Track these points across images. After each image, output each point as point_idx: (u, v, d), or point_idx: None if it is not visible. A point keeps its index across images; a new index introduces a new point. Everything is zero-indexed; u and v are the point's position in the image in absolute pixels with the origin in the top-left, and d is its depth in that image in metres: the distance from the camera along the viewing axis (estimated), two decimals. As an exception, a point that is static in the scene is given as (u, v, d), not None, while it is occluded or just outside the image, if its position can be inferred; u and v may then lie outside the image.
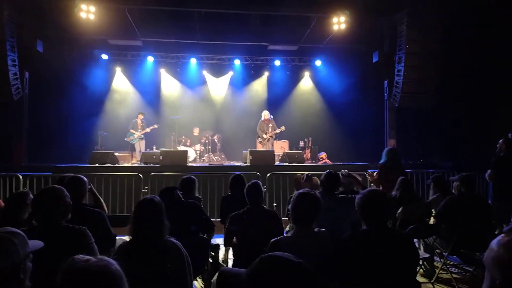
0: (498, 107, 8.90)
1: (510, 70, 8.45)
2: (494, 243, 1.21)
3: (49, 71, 10.03)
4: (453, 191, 4.83)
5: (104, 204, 3.86)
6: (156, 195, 2.61)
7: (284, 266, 1.12)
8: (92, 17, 8.95)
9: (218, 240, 4.14)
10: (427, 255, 4.23)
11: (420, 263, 4.27)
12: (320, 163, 10.36)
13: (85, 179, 3.43)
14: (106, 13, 9.14)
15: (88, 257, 1.20)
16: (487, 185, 6.37)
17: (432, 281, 4.13)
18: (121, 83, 12.43)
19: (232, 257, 3.72)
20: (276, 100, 12.69)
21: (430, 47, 9.18)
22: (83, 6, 8.82)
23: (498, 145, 5.78)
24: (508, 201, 5.51)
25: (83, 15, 8.88)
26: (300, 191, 2.64)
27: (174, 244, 2.29)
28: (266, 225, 3.39)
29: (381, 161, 5.55)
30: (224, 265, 4.28)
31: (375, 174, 5.49)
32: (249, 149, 9.02)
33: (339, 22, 9.45)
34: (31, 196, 3.27)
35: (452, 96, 9.44)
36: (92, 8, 8.90)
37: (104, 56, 11.89)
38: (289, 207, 2.66)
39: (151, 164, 8.57)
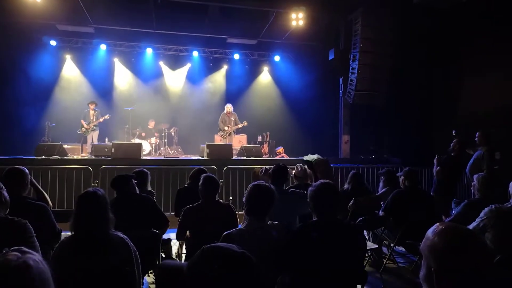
0: (442, 105, 9.46)
1: (457, 69, 8.99)
2: (430, 232, 1.25)
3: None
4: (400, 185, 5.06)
5: (48, 197, 3.65)
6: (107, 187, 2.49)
7: (224, 256, 1.10)
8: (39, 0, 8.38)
9: (172, 235, 4.05)
10: (375, 246, 4.41)
11: (369, 253, 4.44)
12: (277, 157, 10.47)
13: (26, 170, 3.21)
14: (55, -4, 8.60)
15: (9, 252, 1.09)
16: (431, 178, 6.75)
17: (380, 270, 4.31)
18: (71, 72, 11.79)
19: (185, 252, 3.67)
20: (234, 94, 12.64)
21: (383, 47, 9.54)
22: (29, -12, 8.24)
23: (451, 144, 6.12)
24: (450, 195, 5.90)
25: (29, -4, 8.29)
26: (254, 183, 2.63)
27: (120, 238, 2.20)
28: (221, 219, 3.36)
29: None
30: (178, 260, 4.21)
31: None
32: (206, 143, 8.93)
33: (297, 19, 9.55)
34: None
35: (401, 94, 9.89)
36: (39, -10, 8.33)
37: (53, 43, 11.19)
38: (244, 199, 2.64)
39: (103, 157, 8.22)
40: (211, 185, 3.49)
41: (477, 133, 6.03)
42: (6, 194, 2.52)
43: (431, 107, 9.82)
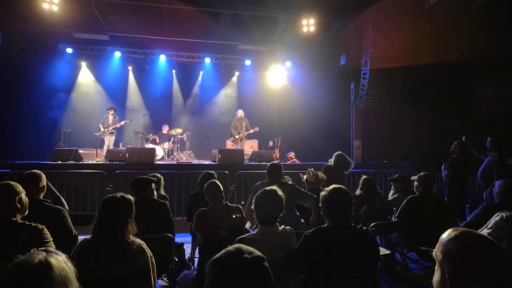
0: (454, 109, 9.36)
1: (470, 74, 8.90)
2: (444, 236, 1.25)
3: (9, 63, 9.56)
4: (414, 190, 5.02)
5: (64, 201, 3.72)
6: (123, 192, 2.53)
7: (235, 266, 1.12)
8: (55, 8, 8.59)
9: (185, 239, 4.10)
10: (388, 252, 4.38)
11: (382, 259, 4.41)
12: (288, 162, 10.47)
13: (43, 174, 3.30)
14: (71, 5, 8.81)
15: (36, 251, 1.16)
16: (443, 184, 6.68)
17: (392, 276, 4.28)
18: (86, 78, 12.04)
19: (198, 256, 3.71)
20: (246, 100, 12.71)
21: (394, 51, 9.50)
22: (46, -3, 8.47)
23: (452, 147, 6.08)
24: (463, 196, 5.84)
25: (46, 6, 8.50)
26: (261, 190, 2.65)
27: (138, 243, 2.24)
28: (231, 221, 3.42)
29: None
30: (190, 263, 4.25)
31: None
32: (218, 148, 8.98)
33: (308, 25, 9.59)
34: None
35: (414, 98, 9.82)
36: (56, 0, 8.56)
37: (69, 50, 11.47)
38: (252, 207, 2.67)
39: (117, 162, 8.34)
40: (213, 190, 3.58)
41: (489, 138, 5.96)
42: (25, 197, 2.59)
43: (443, 111, 9.71)
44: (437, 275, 1.22)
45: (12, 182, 2.57)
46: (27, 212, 2.61)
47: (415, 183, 4.59)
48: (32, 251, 1.18)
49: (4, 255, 1.23)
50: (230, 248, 1.18)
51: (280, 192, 2.65)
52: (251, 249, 1.19)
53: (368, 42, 9.51)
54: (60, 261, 1.16)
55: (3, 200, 2.38)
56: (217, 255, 1.16)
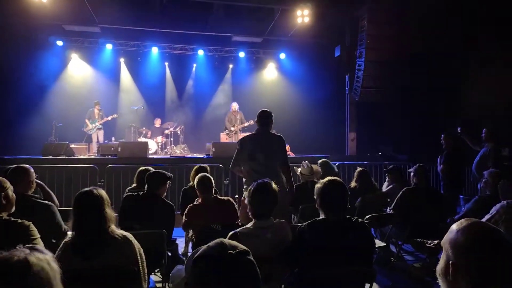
0: (450, 101, 9.35)
1: (462, 65, 8.88)
2: (454, 226, 1.25)
3: (-3, 57, 9.37)
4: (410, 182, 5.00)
5: (54, 197, 3.65)
6: (106, 189, 2.47)
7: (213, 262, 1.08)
8: (45, 0, 8.42)
9: (178, 234, 4.05)
10: (383, 244, 4.36)
11: (377, 251, 4.39)
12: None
13: (31, 169, 3.21)
14: (60, -4, 8.64)
15: (19, 248, 1.10)
16: (437, 176, 6.68)
17: (388, 269, 4.27)
18: (77, 71, 11.83)
19: (191, 251, 3.66)
20: (241, 92, 12.60)
21: (389, 43, 9.44)
22: (35, -12, 8.29)
23: (443, 141, 6.04)
24: (458, 189, 5.84)
25: (35, -3, 8.34)
26: (255, 184, 2.59)
27: (123, 236, 2.18)
28: (222, 214, 3.45)
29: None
30: (184, 258, 4.20)
31: None
32: (212, 141, 8.91)
33: (302, 16, 9.49)
34: None
35: (408, 90, 9.79)
36: (45, -9, 8.37)
37: (59, 43, 11.24)
38: (247, 201, 2.62)
39: (109, 156, 8.24)
40: (203, 184, 3.57)
41: (484, 129, 5.95)
42: (12, 193, 2.51)
43: (439, 102, 9.70)
44: (442, 263, 1.23)
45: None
46: (13, 209, 2.53)
47: (411, 174, 4.57)
48: (17, 247, 1.12)
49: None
50: (211, 244, 1.12)
51: (273, 185, 2.60)
52: (234, 243, 1.13)
53: (363, 33, 9.43)
54: (42, 260, 1.09)
55: None
56: (199, 252, 1.10)
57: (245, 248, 1.13)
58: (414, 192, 4.35)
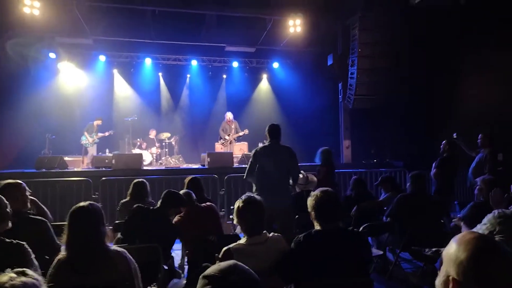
0: (445, 106, 9.41)
1: (457, 70, 8.96)
2: (455, 239, 1.22)
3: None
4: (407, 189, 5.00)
5: (47, 211, 3.60)
6: (101, 202, 2.46)
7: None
8: (37, 12, 8.41)
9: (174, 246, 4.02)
10: (380, 253, 4.35)
11: (374, 260, 4.37)
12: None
13: (23, 184, 3.17)
14: (53, 8, 8.62)
15: (8, 273, 1.08)
16: (430, 181, 6.70)
17: (385, 277, 4.25)
18: (70, 83, 11.78)
19: (187, 264, 3.65)
20: (234, 102, 12.62)
21: (381, 50, 9.52)
22: (27, 1, 8.27)
23: (441, 146, 6.11)
24: (450, 195, 5.86)
25: (27, 10, 8.32)
26: (242, 201, 2.54)
27: (117, 252, 2.16)
28: (206, 223, 3.65)
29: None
30: (180, 271, 4.15)
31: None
32: (207, 152, 8.90)
33: (294, 25, 9.58)
34: None
35: (401, 96, 9.85)
36: (37, 4, 8.36)
37: (52, 55, 11.21)
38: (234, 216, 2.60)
39: (103, 169, 8.19)
40: (185, 196, 3.73)
41: (480, 135, 5.99)
42: (9, 210, 2.47)
43: (433, 108, 9.76)
44: (441, 277, 1.19)
45: None
46: (10, 225, 2.50)
47: (408, 181, 4.57)
48: (5, 271, 1.12)
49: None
50: (223, 264, 1.14)
51: (258, 198, 2.57)
52: (244, 268, 1.14)
53: (354, 42, 9.52)
54: (30, 286, 1.07)
55: None
56: (208, 270, 1.12)
57: (254, 277, 1.13)
58: (409, 199, 4.35)
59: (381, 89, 9.77)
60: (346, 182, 7.58)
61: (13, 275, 1.09)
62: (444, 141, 6.13)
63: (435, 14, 8.39)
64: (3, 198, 2.46)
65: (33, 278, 1.12)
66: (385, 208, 4.92)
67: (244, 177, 4.47)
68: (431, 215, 4.28)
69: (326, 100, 11.63)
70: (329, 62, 10.92)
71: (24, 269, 1.14)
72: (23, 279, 1.09)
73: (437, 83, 9.63)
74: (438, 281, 1.20)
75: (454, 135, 6.35)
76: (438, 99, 9.61)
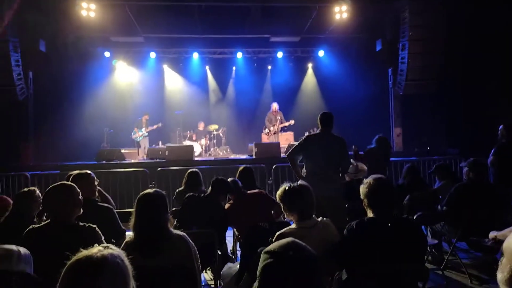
0: (503, 91, 8.78)
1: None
2: None
3: (52, 70, 10.06)
4: (464, 177, 4.77)
5: (111, 199, 3.88)
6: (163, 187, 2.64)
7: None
8: (92, 14, 8.96)
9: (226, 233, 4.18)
10: (436, 242, 4.22)
11: (429, 250, 4.26)
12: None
13: (93, 174, 3.45)
14: (107, 10, 9.14)
15: (96, 247, 1.25)
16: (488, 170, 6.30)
17: (441, 267, 4.12)
18: (124, 80, 12.44)
19: (239, 249, 3.78)
20: (280, 92, 12.62)
21: (433, 32, 9.05)
22: (84, 4, 8.83)
23: (499, 132, 5.70)
24: (509, 185, 5.48)
25: (84, 13, 8.88)
26: (287, 189, 2.61)
27: (179, 236, 2.30)
28: (259, 209, 3.75)
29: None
30: (233, 257, 4.32)
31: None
32: (254, 142, 9.03)
33: (340, 11, 9.36)
34: (38, 193, 3.30)
35: (455, 81, 9.33)
36: (93, 6, 8.90)
37: (107, 54, 11.89)
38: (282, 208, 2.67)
39: (157, 160, 8.60)
40: (232, 185, 3.88)
41: (500, 126, 5.57)
42: (80, 197, 2.70)
43: (489, 92, 9.12)
44: (506, 272, 1.10)
45: (67, 183, 2.70)
46: (81, 211, 2.74)
47: (464, 169, 4.36)
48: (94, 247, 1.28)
49: (59, 255, 1.32)
50: (283, 240, 1.22)
51: (306, 183, 2.66)
52: (302, 245, 1.21)
53: (405, 25, 9.13)
54: (116, 257, 1.23)
55: (59, 201, 2.50)
56: (269, 246, 1.20)
57: (312, 253, 1.19)
58: (468, 188, 4.15)
59: (433, 73, 9.32)
60: (398, 170, 7.37)
61: (101, 248, 1.25)
62: (501, 126, 5.72)
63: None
64: (76, 187, 2.69)
65: (117, 251, 1.27)
66: (440, 197, 4.75)
67: (288, 155, 4.54)
68: (491, 205, 4.07)
69: (374, 87, 11.27)
70: (378, 47, 10.57)
71: (109, 244, 1.29)
72: (110, 251, 1.25)
73: (495, 64, 8.97)
74: (502, 277, 1.12)
75: (499, 128, 5.87)
76: (495, 81, 8.95)
